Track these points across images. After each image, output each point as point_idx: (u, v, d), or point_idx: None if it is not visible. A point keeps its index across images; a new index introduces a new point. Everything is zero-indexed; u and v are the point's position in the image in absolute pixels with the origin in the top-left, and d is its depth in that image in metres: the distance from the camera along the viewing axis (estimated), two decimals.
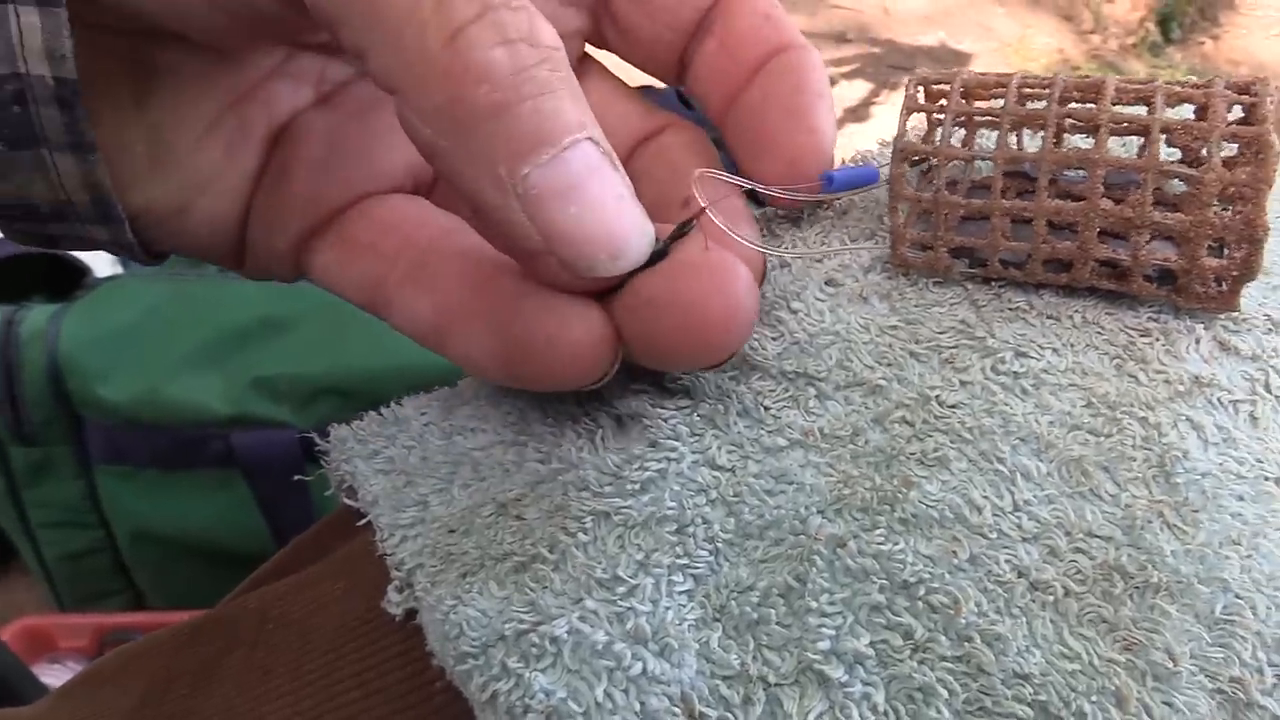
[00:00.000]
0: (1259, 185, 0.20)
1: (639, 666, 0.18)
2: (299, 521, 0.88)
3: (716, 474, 0.20)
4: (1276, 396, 0.20)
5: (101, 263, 0.95)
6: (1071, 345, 0.21)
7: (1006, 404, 0.20)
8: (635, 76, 0.27)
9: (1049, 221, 0.21)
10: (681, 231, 0.20)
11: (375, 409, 0.24)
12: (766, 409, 0.21)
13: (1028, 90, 0.23)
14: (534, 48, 0.18)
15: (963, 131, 0.24)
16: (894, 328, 0.22)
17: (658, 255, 0.20)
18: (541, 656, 0.18)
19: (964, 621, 0.18)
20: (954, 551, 0.18)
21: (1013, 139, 0.23)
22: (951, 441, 0.20)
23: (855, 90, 2.04)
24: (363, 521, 0.22)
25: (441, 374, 0.25)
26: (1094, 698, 0.17)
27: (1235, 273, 0.21)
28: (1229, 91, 0.21)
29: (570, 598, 0.19)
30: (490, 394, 0.23)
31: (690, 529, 0.19)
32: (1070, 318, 0.22)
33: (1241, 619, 0.17)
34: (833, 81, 2.03)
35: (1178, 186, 0.22)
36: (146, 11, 0.20)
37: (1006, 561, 0.18)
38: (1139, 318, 0.21)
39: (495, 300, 0.21)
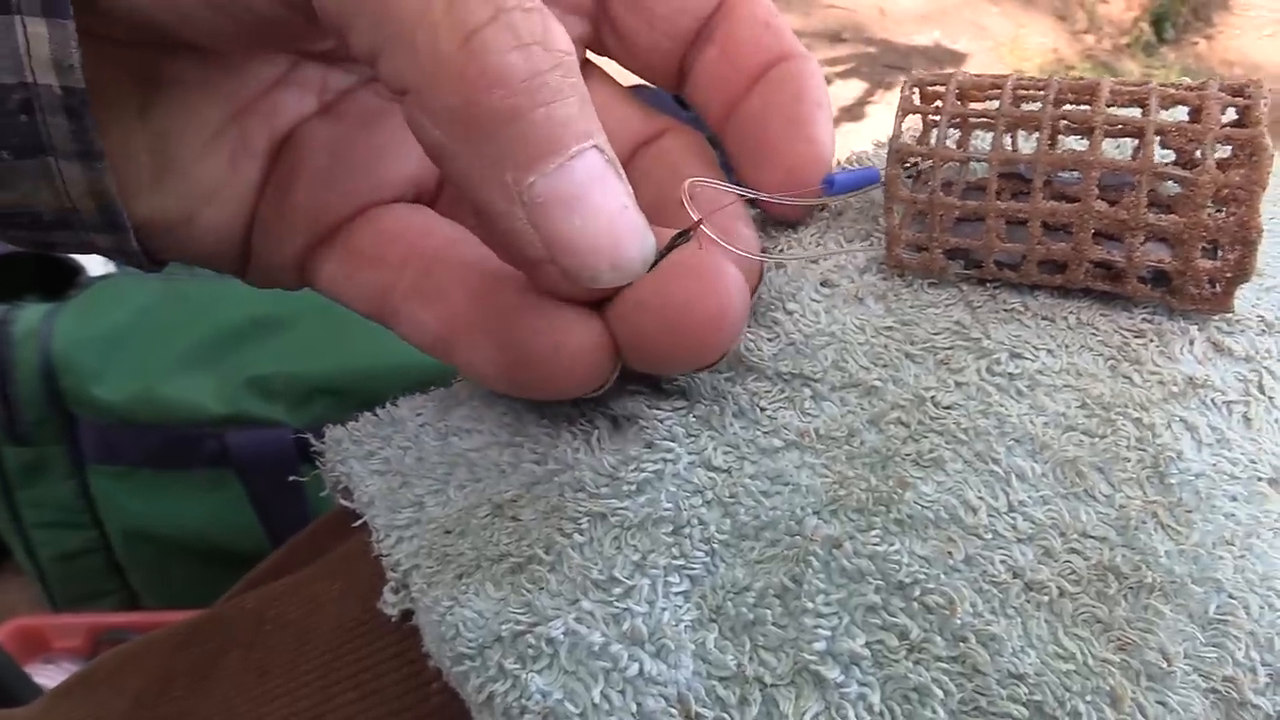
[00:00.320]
0: (1252, 187, 0.20)
1: (635, 667, 0.18)
2: (294, 521, 0.88)
3: (712, 475, 0.20)
4: (1270, 397, 0.20)
5: (95, 262, 0.95)
6: (1066, 346, 0.21)
7: (1001, 405, 0.20)
8: (631, 77, 0.27)
9: (1044, 223, 0.21)
10: (675, 244, 0.20)
11: (370, 409, 0.24)
12: (762, 410, 0.21)
13: (1023, 92, 0.23)
14: (548, 52, 0.18)
15: (958, 133, 0.24)
16: (889, 329, 0.22)
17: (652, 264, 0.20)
18: (538, 658, 0.18)
19: (959, 622, 0.18)
20: (949, 552, 0.18)
21: (1008, 140, 0.24)
22: (947, 442, 0.20)
23: (850, 90, 2.04)
24: (358, 522, 0.22)
25: (437, 374, 0.25)
26: (1089, 698, 0.17)
27: (1229, 274, 0.21)
28: (1223, 94, 0.21)
29: (566, 599, 0.19)
30: (486, 395, 0.23)
31: (686, 530, 0.19)
32: (1065, 319, 0.22)
33: (1235, 619, 0.17)
34: (828, 81, 2.04)
35: (1172, 188, 0.22)
36: (152, 19, 0.20)
37: (1002, 562, 0.18)
38: (1133, 319, 0.22)
39: (498, 311, 0.21)
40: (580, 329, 0.20)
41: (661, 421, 0.21)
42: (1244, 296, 0.22)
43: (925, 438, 0.20)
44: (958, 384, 0.21)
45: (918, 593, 0.18)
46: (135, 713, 0.23)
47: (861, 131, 1.89)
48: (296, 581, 0.24)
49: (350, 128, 0.24)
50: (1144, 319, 0.22)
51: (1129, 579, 0.18)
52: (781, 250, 0.24)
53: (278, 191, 0.24)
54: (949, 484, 0.19)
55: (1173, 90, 0.22)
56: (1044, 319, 0.22)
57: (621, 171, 0.19)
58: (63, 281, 0.93)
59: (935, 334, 0.22)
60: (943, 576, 0.18)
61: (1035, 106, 0.22)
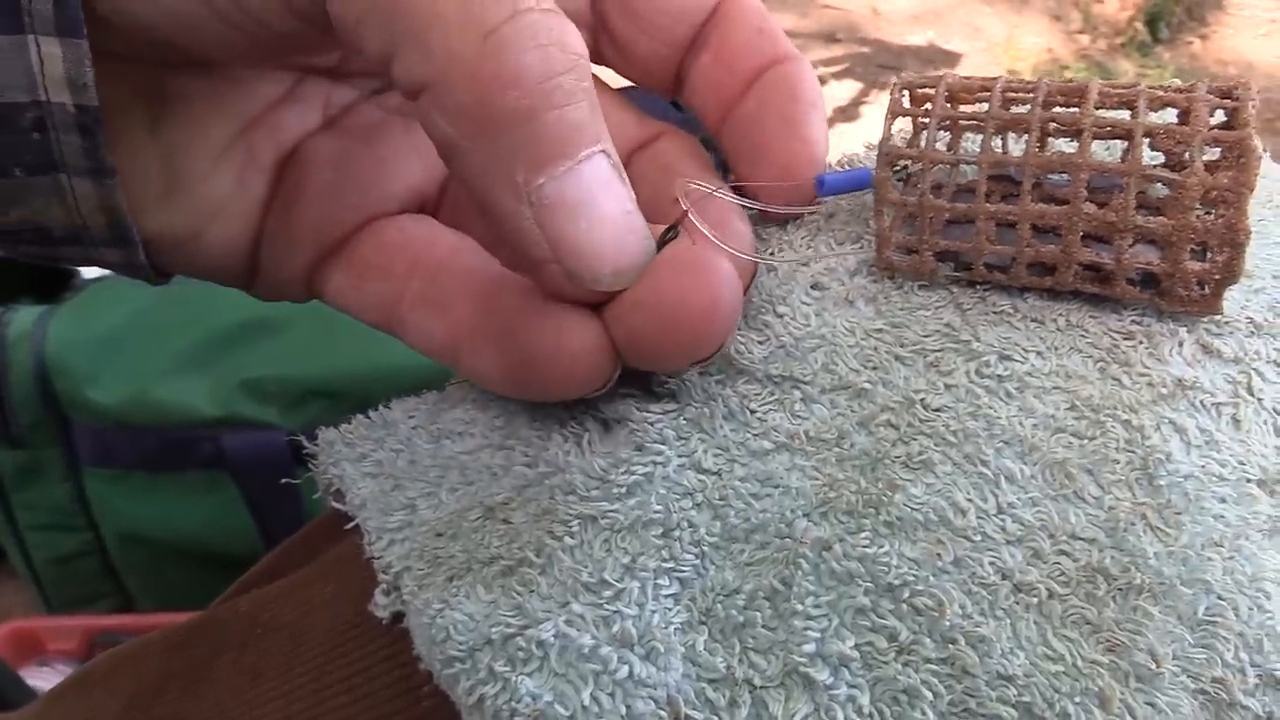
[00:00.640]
0: (1241, 189, 0.20)
1: (625, 670, 0.18)
2: (289, 523, 0.87)
3: (702, 477, 0.20)
4: (1258, 399, 0.20)
5: None
6: (1055, 348, 0.21)
7: (991, 407, 0.20)
8: (622, 81, 0.27)
9: (1033, 225, 0.22)
10: (666, 239, 0.20)
11: (364, 411, 0.24)
12: (752, 412, 0.21)
13: (1012, 94, 0.23)
14: (564, 54, 0.18)
15: (948, 135, 0.24)
16: (879, 331, 0.22)
17: None
18: (528, 660, 0.18)
19: (948, 624, 0.18)
20: (939, 554, 0.18)
21: (997, 143, 0.24)
22: (936, 445, 0.20)
23: (845, 90, 2.04)
24: (351, 525, 0.22)
25: (431, 376, 0.25)
26: (1077, 699, 0.17)
27: (1217, 276, 0.21)
28: (1211, 96, 0.22)
29: (557, 601, 0.19)
30: (478, 398, 0.24)
31: (676, 532, 0.19)
32: (1054, 321, 0.22)
33: (1224, 620, 0.17)
34: (822, 81, 2.03)
35: (1160, 190, 0.22)
36: (163, 35, 0.20)
37: (991, 564, 0.18)
38: (1122, 321, 0.22)
39: (501, 316, 0.22)
40: (581, 331, 0.20)
41: (652, 424, 0.21)
42: (1232, 298, 0.22)
43: (915, 440, 0.20)
44: (947, 386, 0.21)
45: (907, 595, 0.18)
46: (128, 716, 0.23)
47: (856, 131, 1.89)
48: (290, 584, 0.24)
49: (354, 142, 0.25)
50: (1133, 321, 0.22)
51: (1118, 580, 0.18)
52: (773, 253, 0.24)
53: (284, 206, 0.24)
54: (938, 486, 0.19)
55: (1161, 92, 0.22)
56: (1033, 321, 0.22)
57: (626, 177, 0.19)
58: (57, 284, 0.93)
59: (925, 336, 0.22)
60: (932, 578, 0.18)
61: (1024, 109, 0.22)
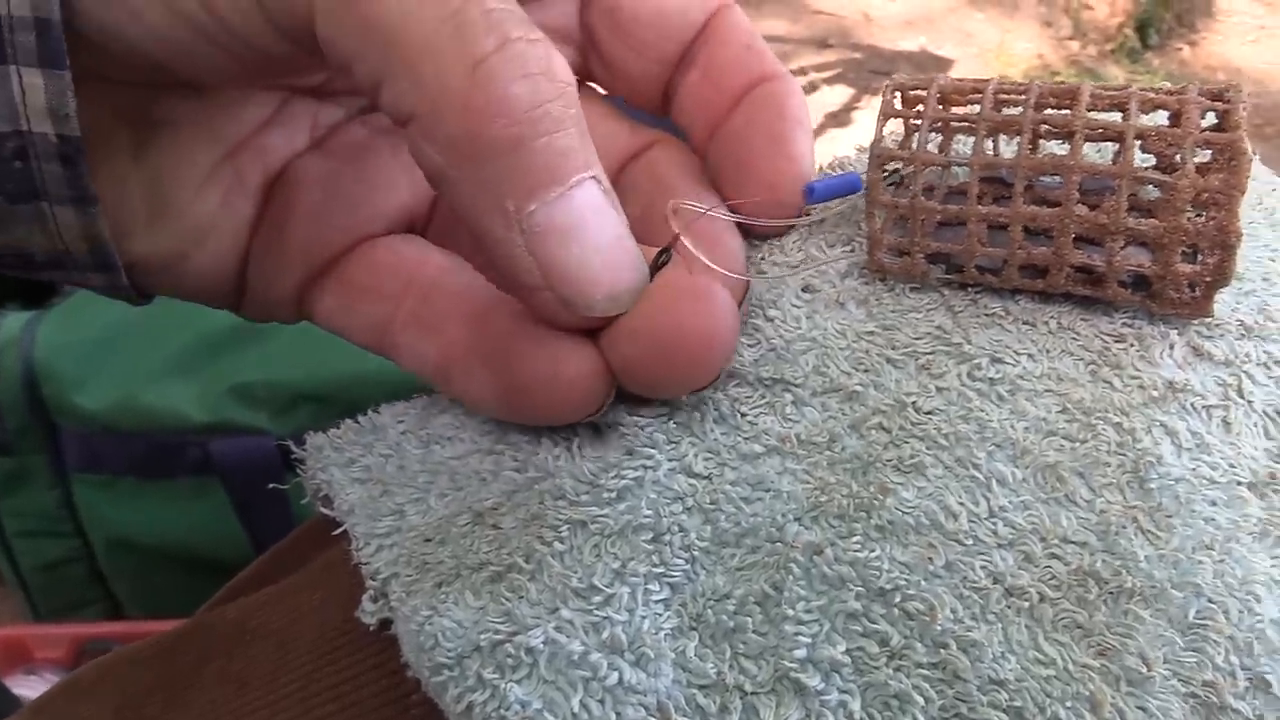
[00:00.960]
0: (1232, 191, 0.20)
1: (615, 676, 0.18)
2: (278, 529, 0.87)
3: (693, 481, 0.20)
4: (1249, 402, 0.20)
5: None
6: (1047, 351, 0.21)
7: (982, 410, 0.20)
8: None
9: (1025, 227, 0.21)
10: (660, 262, 0.20)
11: (353, 416, 0.24)
12: (743, 415, 0.21)
13: (1004, 96, 0.23)
14: (551, 82, 0.18)
15: (939, 137, 0.24)
16: (871, 333, 0.22)
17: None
18: (517, 667, 0.18)
19: (940, 628, 0.18)
20: (930, 558, 0.18)
21: (989, 145, 0.24)
22: (928, 448, 0.20)
23: (836, 95, 2.05)
24: (339, 530, 0.22)
25: (420, 382, 0.25)
26: (1069, 703, 0.17)
27: (1208, 278, 0.21)
28: (1203, 98, 0.21)
29: (546, 607, 0.19)
30: None
31: (667, 537, 0.19)
32: (1046, 323, 0.22)
33: (1214, 623, 0.17)
34: (814, 86, 2.05)
35: (1152, 192, 0.22)
36: (150, 57, 0.20)
37: (982, 568, 0.18)
38: (1114, 323, 0.22)
39: (494, 339, 0.21)
40: (576, 357, 0.20)
41: (642, 428, 0.21)
42: (1223, 301, 0.22)
43: (906, 443, 0.20)
44: (939, 389, 0.21)
45: (898, 599, 0.18)
46: None
47: (847, 137, 1.90)
48: (279, 591, 0.24)
49: (341, 162, 0.25)
50: (1124, 323, 0.22)
51: (1109, 584, 0.18)
52: (763, 256, 0.24)
53: (272, 228, 0.24)
54: (930, 489, 0.19)
55: (1153, 95, 0.22)
56: (1025, 324, 0.22)
57: (617, 202, 0.19)
58: (44, 289, 0.93)
59: (916, 339, 0.22)
60: (923, 582, 0.18)
61: (1016, 111, 0.22)
